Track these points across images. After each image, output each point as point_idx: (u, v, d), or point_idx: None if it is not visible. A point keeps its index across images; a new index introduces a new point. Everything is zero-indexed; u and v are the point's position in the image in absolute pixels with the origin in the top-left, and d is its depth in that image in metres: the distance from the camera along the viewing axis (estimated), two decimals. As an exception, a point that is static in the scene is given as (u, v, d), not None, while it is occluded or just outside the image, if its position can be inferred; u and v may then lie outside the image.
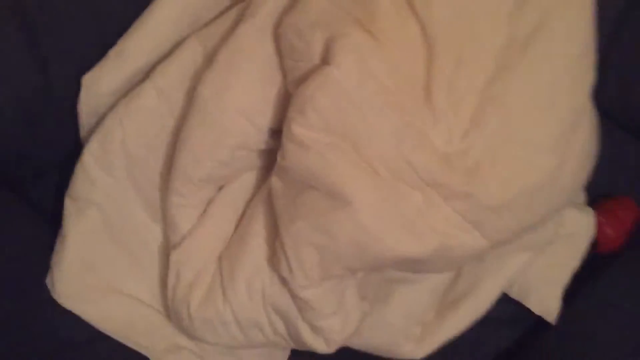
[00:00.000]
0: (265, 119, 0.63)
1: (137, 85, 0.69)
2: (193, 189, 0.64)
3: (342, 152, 0.56)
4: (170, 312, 0.66)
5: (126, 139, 0.67)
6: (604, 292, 0.73)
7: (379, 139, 0.56)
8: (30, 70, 0.71)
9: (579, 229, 0.74)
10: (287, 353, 0.73)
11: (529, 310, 0.74)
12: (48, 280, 0.67)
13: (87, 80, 0.70)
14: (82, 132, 0.72)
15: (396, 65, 0.57)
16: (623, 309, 0.71)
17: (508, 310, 0.75)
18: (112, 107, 0.69)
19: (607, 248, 0.76)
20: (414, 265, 0.59)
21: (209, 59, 0.64)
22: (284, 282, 0.60)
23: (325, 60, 0.57)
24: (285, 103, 0.62)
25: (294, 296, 0.60)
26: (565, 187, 0.61)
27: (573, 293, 0.73)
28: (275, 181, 0.60)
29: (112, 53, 0.71)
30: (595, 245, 0.76)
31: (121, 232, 0.69)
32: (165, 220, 0.68)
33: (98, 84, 0.70)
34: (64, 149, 0.76)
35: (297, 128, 0.56)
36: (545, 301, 0.73)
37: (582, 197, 0.78)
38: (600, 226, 0.76)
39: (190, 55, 0.67)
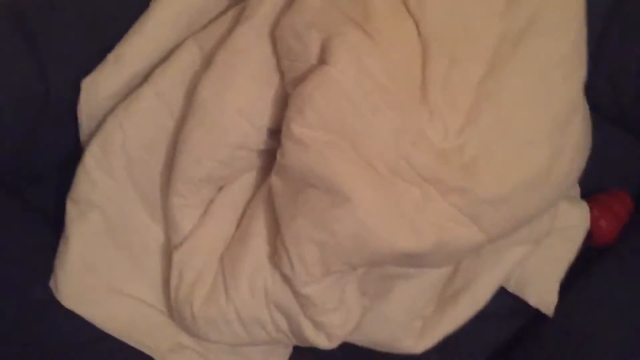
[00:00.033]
0: (264, 119, 0.64)
1: (136, 88, 0.69)
2: (194, 190, 0.65)
3: (340, 150, 0.57)
4: (173, 311, 0.67)
5: (126, 142, 0.68)
6: (599, 284, 0.74)
7: (377, 137, 0.57)
8: (29, 75, 0.71)
9: (574, 223, 0.75)
10: (290, 350, 0.74)
11: (526, 304, 0.75)
12: (51, 282, 0.67)
13: (87, 84, 0.71)
14: (82, 135, 0.73)
15: (392, 64, 0.58)
16: (618, 300, 0.72)
17: (506, 304, 0.76)
18: (111, 110, 0.70)
19: (601, 240, 0.77)
20: (414, 260, 0.60)
21: (207, 61, 0.65)
22: (285, 279, 0.61)
23: (322, 60, 0.57)
24: (283, 103, 0.63)
25: (295, 293, 0.61)
26: (560, 181, 0.62)
27: (569, 285, 0.74)
28: (275, 180, 0.61)
29: (111, 57, 0.71)
30: (590, 238, 0.76)
31: (123, 233, 0.70)
32: (167, 221, 0.68)
33: (97, 88, 0.71)
34: (63, 153, 0.76)
35: (296, 127, 0.57)
36: (542, 294, 0.74)
37: (576, 191, 0.79)
38: (594, 219, 0.76)
39: (188, 58, 0.68)
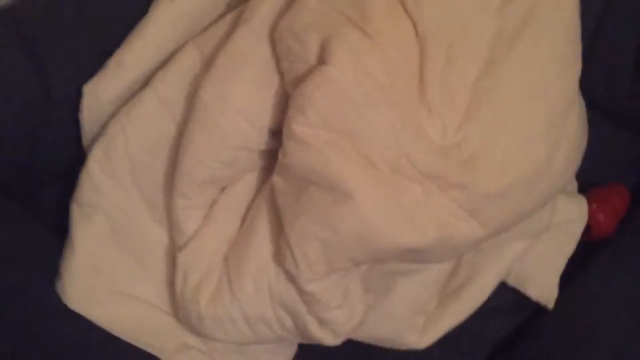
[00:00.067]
0: (264, 120, 0.64)
1: (138, 92, 0.70)
2: (197, 191, 0.66)
3: (342, 149, 0.57)
4: (179, 312, 0.67)
5: (129, 145, 0.68)
6: (599, 277, 0.75)
7: (377, 135, 0.58)
8: (30, 81, 0.72)
9: (572, 217, 0.76)
10: (295, 348, 0.74)
11: (526, 298, 0.76)
12: (58, 286, 0.68)
13: (88, 89, 0.71)
14: (85, 140, 0.73)
15: (391, 63, 0.59)
16: (617, 292, 0.73)
17: (506, 299, 0.77)
18: (113, 115, 0.70)
19: (600, 234, 0.78)
20: (416, 256, 0.61)
21: (207, 64, 0.66)
22: (290, 277, 0.61)
23: (322, 60, 0.58)
24: (283, 104, 0.63)
25: (300, 290, 0.61)
26: (558, 175, 0.63)
27: (568, 279, 0.75)
28: (277, 180, 0.62)
29: (112, 62, 0.72)
30: (588, 232, 0.77)
31: (127, 236, 0.70)
32: (170, 223, 0.69)
33: (99, 93, 0.71)
34: (65, 159, 0.77)
35: (298, 127, 0.58)
36: (543, 288, 0.75)
37: (573, 185, 0.80)
38: (593, 213, 0.77)
39: (188, 61, 0.69)
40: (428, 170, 0.58)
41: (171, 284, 0.69)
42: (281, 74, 0.64)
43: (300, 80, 0.60)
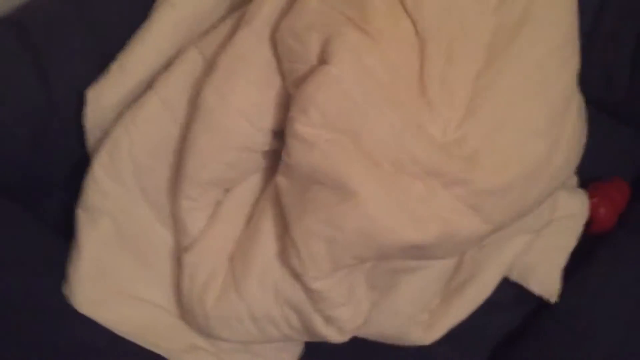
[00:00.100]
0: (267, 121, 0.65)
1: (141, 96, 0.70)
2: (201, 192, 0.66)
3: (344, 147, 0.58)
4: (186, 313, 0.68)
5: (133, 149, 0.69)
6: (601, 270, 0.75)
7: (380, 133, 0.58)
8: (33, 87, 0.72)
9: (573, 211, 0.77)
10: (301, 347, 0.75)
11: (529, 293, 0.76)
12: (65, 289, 0.68)
13: (91, 94, 0.72)
14: (89, 145, 0.74)
15: (391, 61, 0.60)
16: (619, 284, 0.74)
17: (509, 294, 0.77)
18: (116, 119, 0.71)
19: (601, 228, 0.79)
20: (420, 252, 0.61)
21: (209, 67, 0.66)
22: (295, 275, 0.62)
23: (323, 60, 0.59)
24: (285, 105, 0.64)
25: (306, 288, 0.62)
26: (558, 170, 0.63)
27: (571, 272, 0.76)
28: (280, 180, 0.62)
29: (114, 67, 0.73)
30: (589, 226, 0.78)
31: (133, 238, 0.71)
32: (175, 225, 0.69)
33: (102, 98, 0.72)
34: (69, 164, 0.77)
35: (301, 126, 0.58)
36: (546, 282, 0.76)
37: (574, 180, 0.81)
38: (594, 207, 0.78)
39: (190, 64, 0.69)
40: (430, 167, 0.59)
41: (177, 285, 0.70)
42: (282, 75, 0.64)
43: (301, 80, 0.60)
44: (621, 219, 0.80)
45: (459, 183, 0.59)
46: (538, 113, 0.61)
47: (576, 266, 0.76)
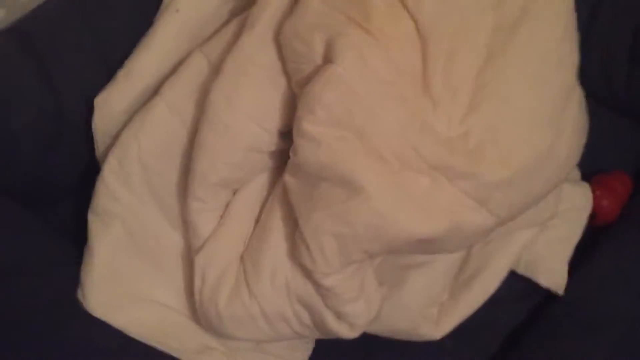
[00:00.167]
0: (273, 122, 0.66)
1: (148, 101, 0.72)
2: (211, 194, 0.67)
3: (351, 144, 0.59)
4: (199, 313, 0.68)
5: (142, 153, 0.70)
6: (606, 261, 0.76)
7: (385, 129, 0.59)
8: (42, 97, 0.74)
9: (577, 204, 0.78)
10: (312, 345, 0.75)
11: (536, 286, 0.77)
12: (79, 292, 0.69)
13: (99, 101, 0.73)
14: (98, 151, 0.75)
15: (394, 60, 0.61)
16: (624, 275, 0.74)
17: (516, 287, 0.78)
18: (125, 124, 0.72)
19: (604, 219, 0.80)
20: (428, 246, 0.62)
21: (215, 71, 0.67)
22: (306, 272, 0.63)
23: (328, 59, 0.60)
24: (291, 104, 0.65)
25: (317, 285, 0.62)
26: (561, 162, 0.64)
27: (576, 264, 0.77)
28: (288, 179, 0.63)
29: (121, 74, 0.74)
30: (593, 218, 0.79)
31: (144, 242, 0.71)
32: (186, 226, 0.70)
33: (110, 104, 0.73)
34: (78, 171, 0.79)
35: (307, 125, 0.59)
36: (552, 274, 0.76)
37: (576, 173, 0.82)
38: (597, 200, 0.79)
39: (196, 69, 0.70)
40: (436, 161, 0.60)
41: (189, 286, 0.70)
42: (288, 76, 0.65)
43: (307, 80, 0.61)
44: (624, 211, 0.81)
45: (464, 177, 0.60)
46: (539, 106, 0.62)
47: (580, 258, 0.77)
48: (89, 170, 0.76)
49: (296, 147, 0.61)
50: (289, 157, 0.63)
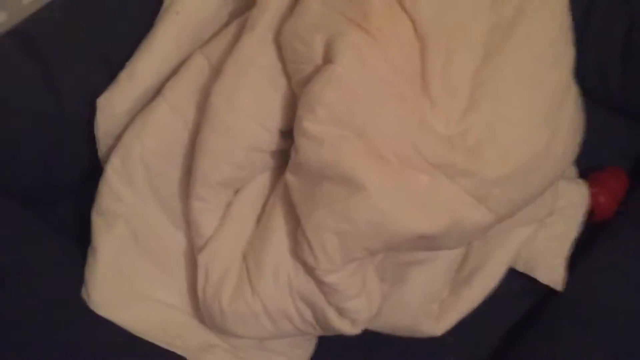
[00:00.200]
0: (274, 122, 0.67)
1: (150, 102, 0.72)
2: (213, 193, 0.68)
3: (352, 143, 0.60)
4: (202, 311, 0.69)
5: (144, 153, 0.70)
6: (603, 257, 0.77)
7: (385, 128, 0.60)
8: (44, 99, 0.74)
9: (574, 201, 0.79)
10: (314, 342, 0.76)
11: (535, 283, 0.78)
12: (83, 291, 0.69)
13: (101, 102, 0.74)
14: (100, 152, 0.76)
15: (393, 59, 0.62)
16: (622, 270, 0.75)
17: (515, 284, 0.79)
18: (127, 126, 0.73)
19: (601, 216, 0.81)
20: (428, 243, 0.63)
21: (216, 72, 0.68)
22: (308, 269, 0.63)
23: (327, 59, 0.61)
24: (291, 105, 0.66)
25: (319, 282, 0.63)
26: (558, 159, 0.65)
27: (574, 260, 0.77)
28: (290, 177, 0.64)
29: (123, 75, 0.75)
30: (590, 214, 0.80)
31: (147, 241, 0.72)
32: (189, 226, 0.71)
33: (112, 106, 0.74)
34: (78, 171, 0.79)
35: (309, 124, 0.60)
36: (551, 271, 0.77)
37: (572, 171, 0.83)
38: (593, 196, 0.80)
39: (197, 70, 0.71)
40: (435, 159, 0.60)
41: (192, 285, 0.71)
42: (288, 76, 0.66)
43: (307, 80, 0.62)
44: (620, 207, 0.81)
45: (464, 174, 0.61)
46: (536, 104, 0.63)
47: (578, 254, 0.78)
48: (90, 170, 0.77)
49: (297, 146, 0.62)
50: (290, 156, 0.64)
